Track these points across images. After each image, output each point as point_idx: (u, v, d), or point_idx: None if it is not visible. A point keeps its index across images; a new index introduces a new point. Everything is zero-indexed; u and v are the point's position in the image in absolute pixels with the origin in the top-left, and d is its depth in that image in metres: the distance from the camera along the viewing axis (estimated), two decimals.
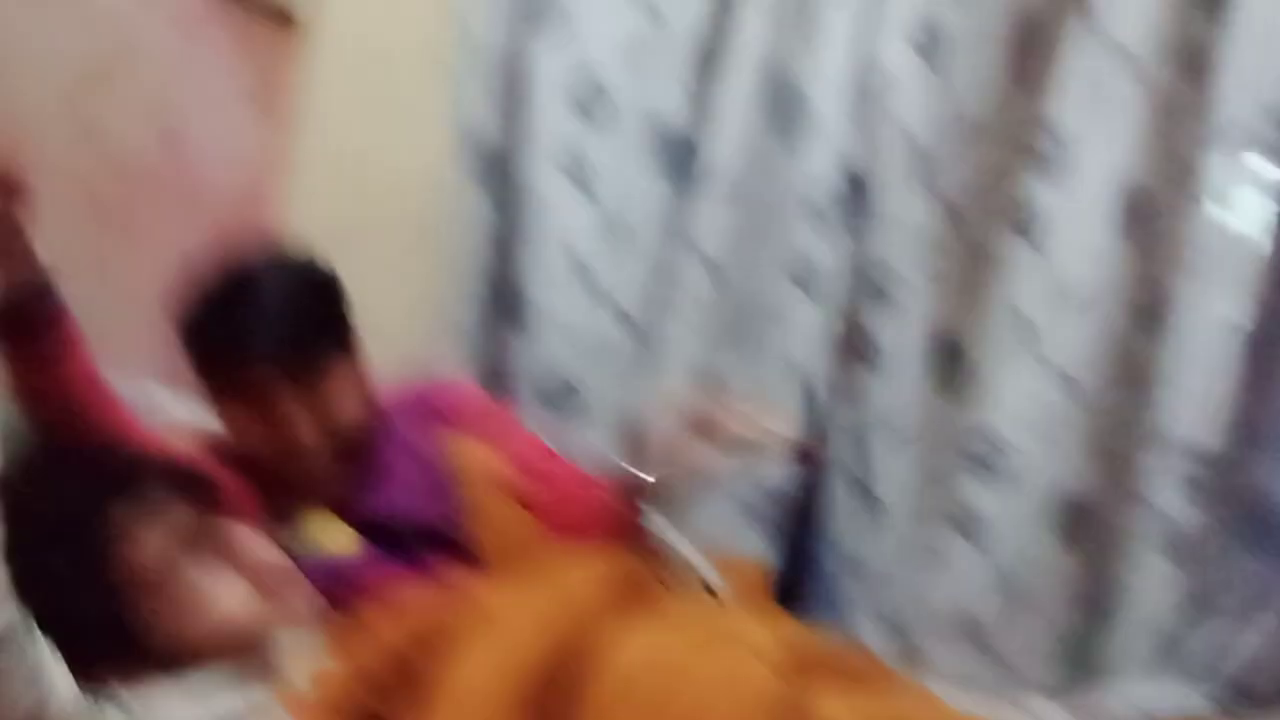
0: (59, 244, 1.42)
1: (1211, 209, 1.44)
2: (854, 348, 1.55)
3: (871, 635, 1.55)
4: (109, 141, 1.39)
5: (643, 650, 0.89)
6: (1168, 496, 1.45)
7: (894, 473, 1.53)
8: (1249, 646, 1.41)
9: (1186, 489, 1.44)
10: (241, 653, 0.92)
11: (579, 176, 1.57)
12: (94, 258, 1.44)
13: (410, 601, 0.97)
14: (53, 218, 1.39)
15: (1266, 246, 1.39)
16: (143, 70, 1.43)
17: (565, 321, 1.59)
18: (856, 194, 1.50)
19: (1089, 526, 1.51)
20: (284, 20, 1.60)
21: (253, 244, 1.19)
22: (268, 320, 1.06)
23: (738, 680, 0.86)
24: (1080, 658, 1.54)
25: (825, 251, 1.53)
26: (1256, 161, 1.41)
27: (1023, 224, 1.50)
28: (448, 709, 0.85)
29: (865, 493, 1.56)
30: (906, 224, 1.49)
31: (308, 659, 0.94)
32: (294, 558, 0.99)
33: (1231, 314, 1.41)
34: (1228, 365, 1.42)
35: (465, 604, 0.94)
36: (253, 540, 0.95)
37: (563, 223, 1.58)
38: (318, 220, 1.54)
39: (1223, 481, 1.43)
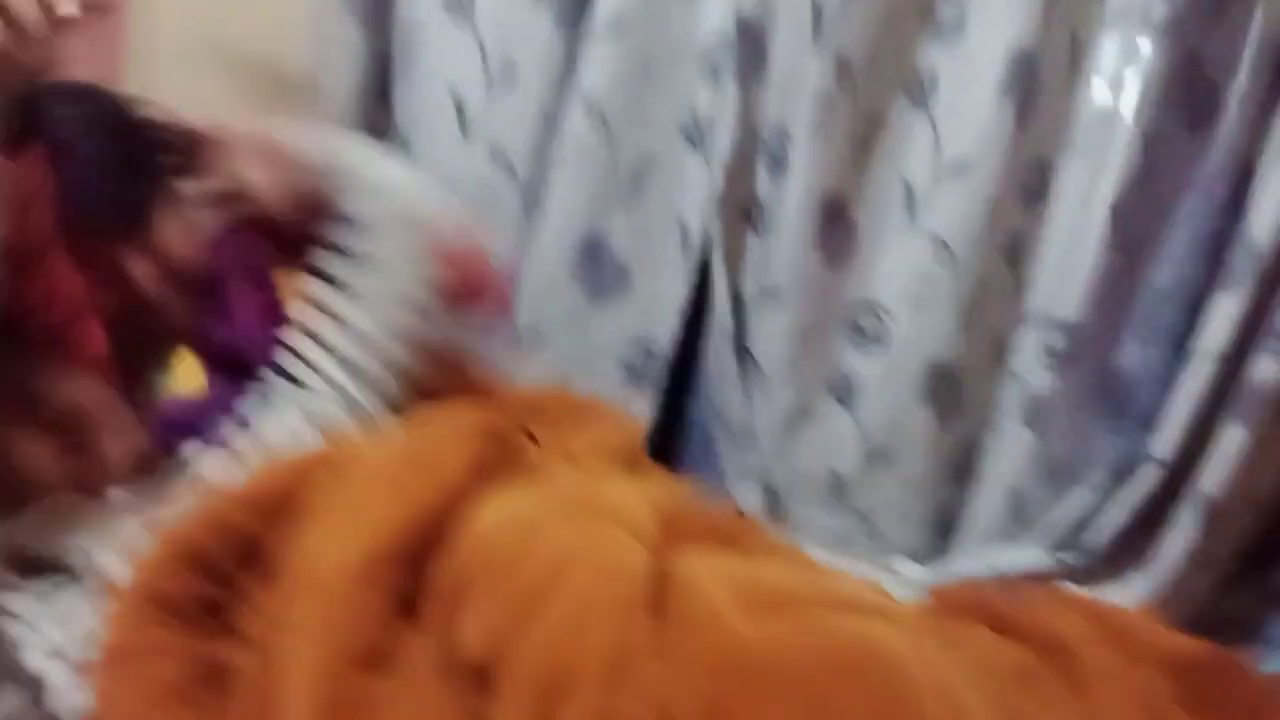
0: None
1: (1097, 88, 1.44)
2: (739, 207, 1.52)
3: (744, 496, 1.57)
4: None
5: (502, 513, 0.87)
6: (1031, 366, 1.49)
7: (773, 336, 1.53)
8: (1098, 511, 1.47)
9: (1049, 359, 1.47)
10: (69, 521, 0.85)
11: (461, 9, 1.48)
12: None
13: (252, 464, 0.91)
14: None
15: (1141, 125, 1.39)
16: None
17: (443, 165, 1.51)
18: (749, 47, 1.45)
19: (956, 394, 1.54)
20: None
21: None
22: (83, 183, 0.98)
23: (599, 543, 0.85)
24: (943, 522, 1.59)
25: (716, 106, 1.48)
26: (1146, 45, 1.40)
27: (914, 89, 1.48)
28: (295, 591, 0.79)
29: (744, 354, 1.55)
30: (798, 80, 1.44)
31: (129, 533, 0.86)
32: (147, 404, 0.94)
33: (1105, 192, 1.42)
34: (1097, 242, 1.43)
35: (316, 467, 0.88)
36: (70, 389, 0.88)
37: (442, 59, 1.49)
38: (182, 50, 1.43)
39: (1083, 353, 1.46)
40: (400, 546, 0.82)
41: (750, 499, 1.56)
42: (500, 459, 0.95)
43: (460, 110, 1.51)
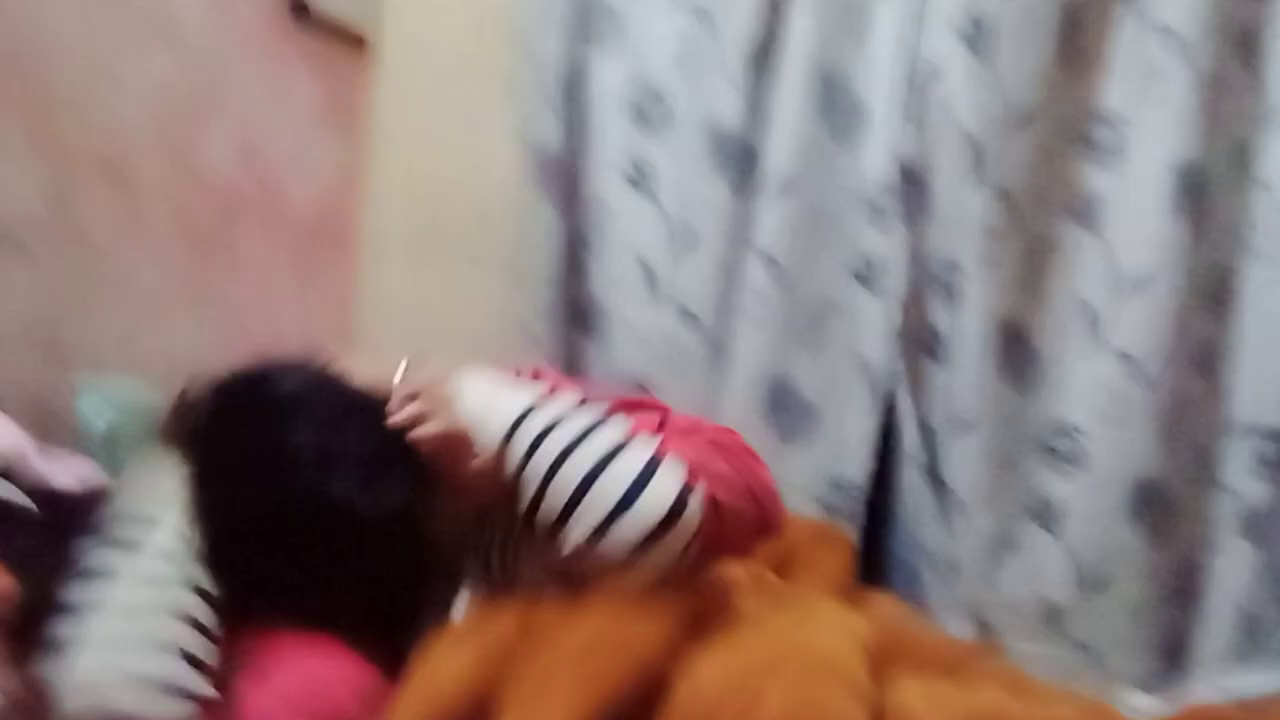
0: (156, 268, 1.54)
1: (1269, 189, 1.43)
2: (919, 340, 1.56)
3: (955, 629, 1.55)
4: (199, 168, 1.50)
5: (714, 673, 0.89)
6: (1243, 477, 1.43)
7: (965, 463, 1.53)
8: None
9: (1259, 468, 1.41)
10: None
11: (642, 183, 1.62)
12: (189, 280, 1.56)
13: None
14: (149, 244, 1.51)
15: None
16: (227, 96, 1.53)
17: (635, 326, 1.63)
18: (912, 187, 1.52)
19: (1164, 510, 1.49)
20: (355, 42, 1.70)
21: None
22: None
23: (816, 701, 0.87)
24: (1166, 646, 1.52)
25: (885, 246, 1.55)
26: None
27: (1079, 210, 1.51)
28: None
29: (938, 484, 1.56)
30: (963, 215, 1.50)
31: None
32: None
33: None
34: None
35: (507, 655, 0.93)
36: None
37: (628, 228, 1.62)
38: (393, 236, 1.62)
39: None
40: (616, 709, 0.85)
41: (962, 632, 1.54)
42: (706, 611, 0.98)
43: (648, 273, 1.63)
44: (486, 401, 0.99)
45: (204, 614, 0.93)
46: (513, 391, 1.02)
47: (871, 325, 1.58)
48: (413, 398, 0.98)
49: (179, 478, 0.98)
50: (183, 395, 1.03)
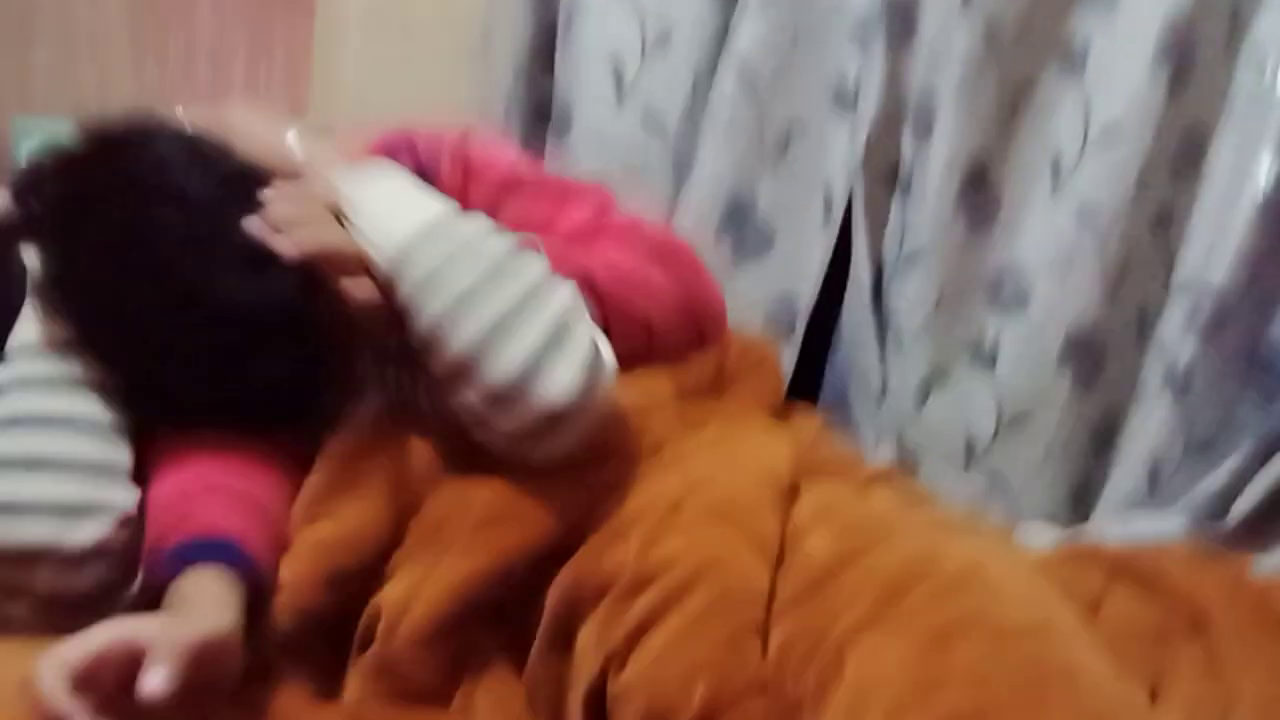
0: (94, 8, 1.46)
1: (1252, 58, 1.43)
2: (882, 169, 1.56)
3: (877, 454, 1.60)
4: None
5: (615, 526, 0.88)
6: (1174, 333, 1.48)
7: (910, 295, 1.56)
8: (1242, 484, 1.45)
9: (1191, 325, 1.46)
10: None
11: None
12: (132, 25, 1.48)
13: None
14: None
15: None
16: None
17: (599, 128, 1.60)
18: (898, 11, 1.49)
19: (1095, 359, 1.54)
20: None
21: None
22: None
23: (723, 557, 0.85)
24: (1076, 487, 1.60)
25: (863, 69, 1.52)
26: None
27: (1062, 54, 1.49)
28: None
29: (880, 313, 1.59)
30: (946, 46, 1.47)
31: None
32: None
33: (1260, 169, 1.40)
34: (1250, 214, 1.42)
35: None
36: None
37: (599, 25, 1.57)
38: (353, 17, 1.54)
39: (1231, 323, 1.45)
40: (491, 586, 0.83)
41: (883, 457, 1.60)
42: (615, 459, 0.92)
43: (617, 74, 1.59)
44: (381, 211, 0.86)
45: (103, 417, 0.86)
46: (414, 202, 0.88)
47: (838, 149, 1.57)
48: (289, 198, 0.85)
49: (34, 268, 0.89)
50: (29, 174, 0.91)
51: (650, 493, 0.87)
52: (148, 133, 0.89)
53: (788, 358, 1.61)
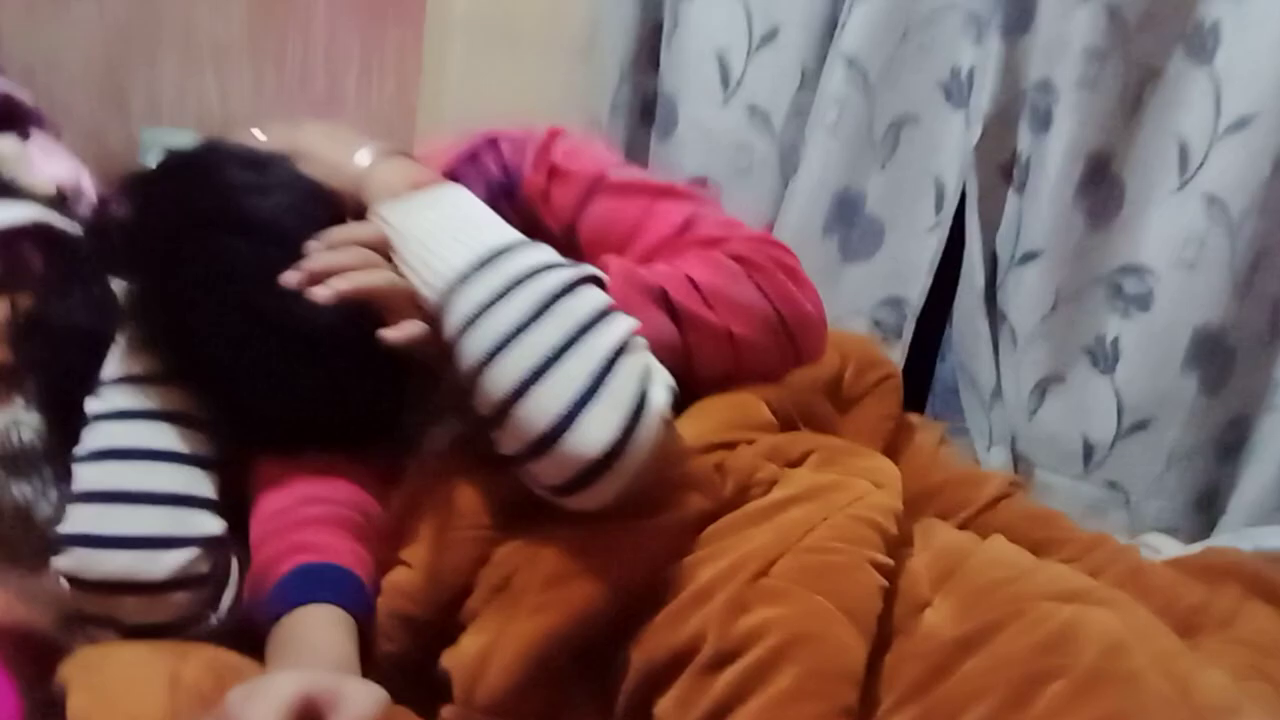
0: (219, 20, 1.52)
1: None
2: (997, 163, 1.51)
3: (990, 459, 1.56)
4: None
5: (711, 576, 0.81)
6: None
7: (1025, 294, 1.50)
8: None
9: None
10: None
11: None
12: (252, 36, 1.54)
13: None
14: None
15: None
16: None
17: (704, 124, 1.58)
18: (1015, 2, 1.43)
19: (1222, 361, 1.46)
20: None
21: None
22: None
23: (824, 623, 0.78)
24: (1200, 495, 1.52)
25: (977, 59, 1.48)
26: None
27: (1191, 39, 1.42)
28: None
29: (994, 313, 1.54)
30: (1066, 32, 1.41)
31: None
32: None
33: None
34: None
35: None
36: None
37: (706, 19, 1.56)
38: (459, 18, 1.56)
39: None
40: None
41: (998, 461, 1.55)
42: (696, 508, 0.84)
43: (723, 69, 1.57)
44: (432, 245, 0.81)
45: (187, 448, 0.88)
46: (468, 235, 0.82)
47: (950, 144, 1.52)
48: (332, 244, 0.82)
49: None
50: (105, 205, 0.96)
51: (735, 550, 0.80)
52: (218, 160, 0.90)
53: (896, 360, 1.58)
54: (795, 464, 0.89)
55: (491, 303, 0.77)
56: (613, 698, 0.79)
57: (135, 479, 0.85)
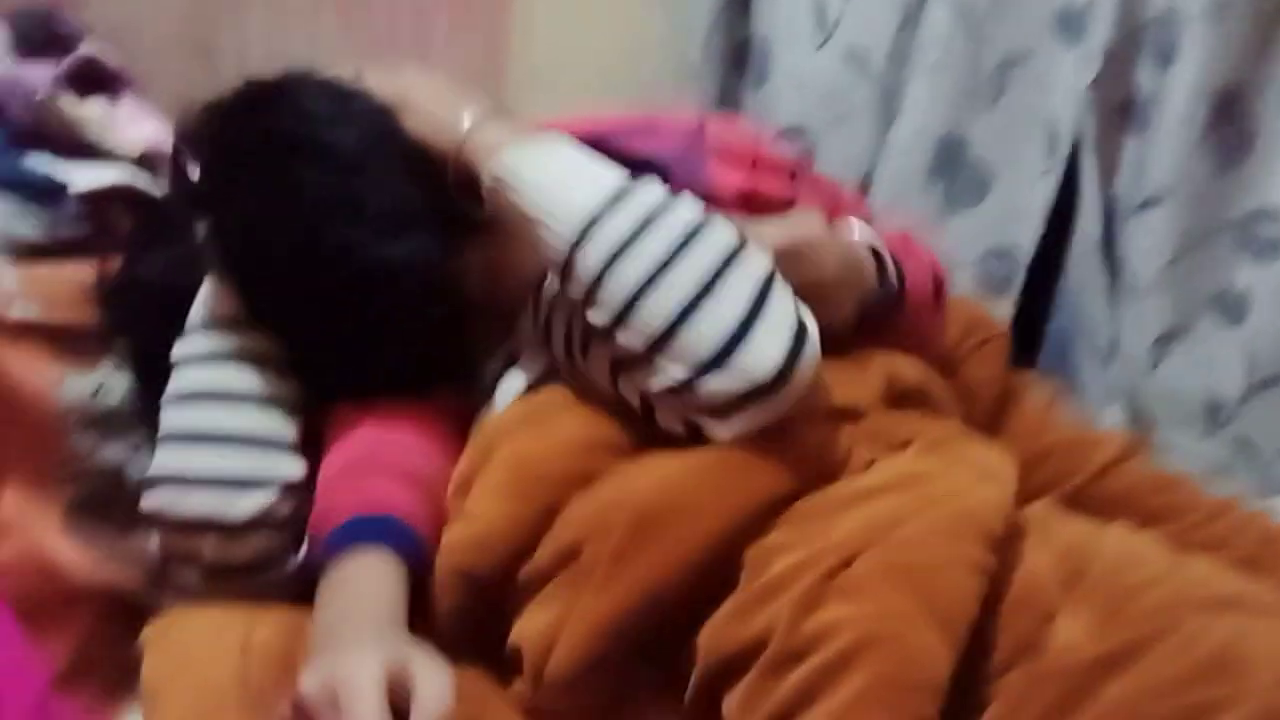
0: None
1: None
2: (1115, 102, 1.42)
3: (1107, 417, 1.48)
4: None
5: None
6: None
7: (1146, 242, 1.41)
8: None
9: None
10: None
11: None
12: None
13: None
14: None
15: None
16: None
17: (799, 69, 1.52)
18: None
19: None
20: None
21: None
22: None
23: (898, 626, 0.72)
24: None
25: None
26: None
27: None
28: None
29: (1112, 261, 1.45)
30: None
31: None
32: None
33: None
34: None
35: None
36: None
37: None
38: None
39: None
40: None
41: (1114, 419, 1.47)
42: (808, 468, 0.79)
43: (819, 11, 1.51)
44: (556, 183, 0.80)
45: (269, 390, 0.87)
46: (592, 172, 0.81)
47: (1063, 83, 1.43)
48: None
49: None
50: (182, 139, 0.93)
51: (817, 538, 0.74)
52: (296, 88, 0.87)
53: (1004, 314, 1.50)
54: (899, 449, 0.82)
55: (635, 234, 0.76)
56: (681, 685, 0.75)
57: (217, 420, 0.85)
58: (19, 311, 0.87)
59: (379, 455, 0.85)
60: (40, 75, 1.09)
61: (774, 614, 0.71)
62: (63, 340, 0.91)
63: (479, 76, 1.74)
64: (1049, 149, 1.46)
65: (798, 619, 0.71)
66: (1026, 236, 1.49)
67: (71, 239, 1.05)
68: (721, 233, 0.77)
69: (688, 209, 0.78)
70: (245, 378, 0.87)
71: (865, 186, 1.52)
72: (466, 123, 0.85)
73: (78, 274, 0.94)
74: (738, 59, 1.59)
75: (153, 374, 0.90)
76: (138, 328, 0.94)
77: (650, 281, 0.75)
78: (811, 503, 0.78)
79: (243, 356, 0.87)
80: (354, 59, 1.59)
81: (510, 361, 0.91)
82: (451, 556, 0.80)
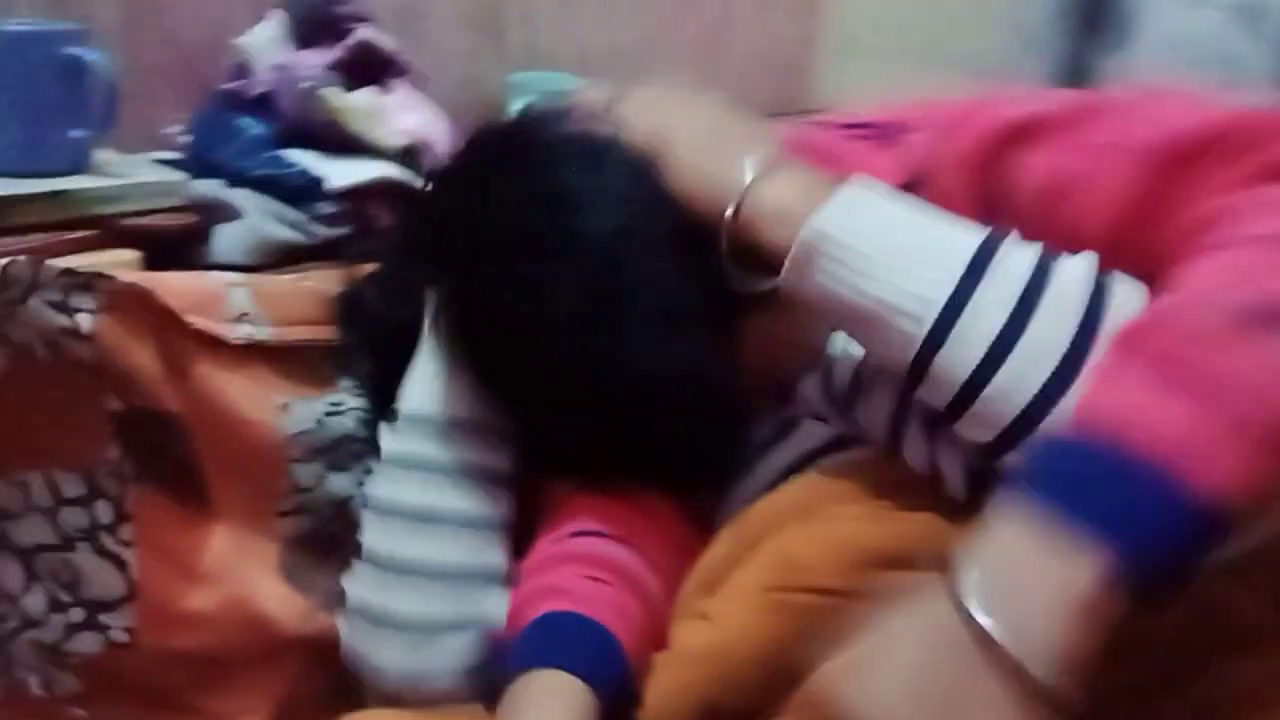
0: None
1: None
2: None
3: None
4: None
5: None
6: None
7: None
8: None
9: None
10: None
11: None
12: None
13: None
14: None
15: None
16: None
17: (1170, 27, 1.33)
18: None
19: None
20: None
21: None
22: None
23: None
24: None
25: None
26: None
27: None
28: None
29: None
30: None
31: None
32: None
33: None
34: None
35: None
36: None
37: None
38: None
39: None
40: None
41: None
42: None
43: None
44: (886, 258, 0.63)
45: (486, 506, 0.75)
46: (931, 233, 0.64)
47: None
48: None
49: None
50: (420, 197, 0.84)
51: None
52: (540, 152, 0.73)
53: None
54: None
55: (1010, 326, 0.61)
56: None
57: (424, 549, 0.75)
58: (247, 333, 0.81)
59: (587, 537, 0.73)
60: (312, 63, 1.07)
61: None
62: (293, 361, 0.85)
63: (785, 60, 1.63)
64: None
65: None
66: None
67: (330, 239, 1.01)
68: (1079, 284, 0.61)
69: (1071, 270, 0.61)
70: (459, 497, 0.76)
71: None
72: (748, 175, 0.68)
73: (320, 284, 0.87)
74: (1090, 19, 1.41)
75: (387, 400, 0.81)
76: (374, 347, 0.86)
77: (1040, 393, 0.60)
78: None
79: (459, 470, 0.76)
80: (654, 38, 1.51)
81: (783, 431, 0.77)
82: (685, 671, 0.66)
